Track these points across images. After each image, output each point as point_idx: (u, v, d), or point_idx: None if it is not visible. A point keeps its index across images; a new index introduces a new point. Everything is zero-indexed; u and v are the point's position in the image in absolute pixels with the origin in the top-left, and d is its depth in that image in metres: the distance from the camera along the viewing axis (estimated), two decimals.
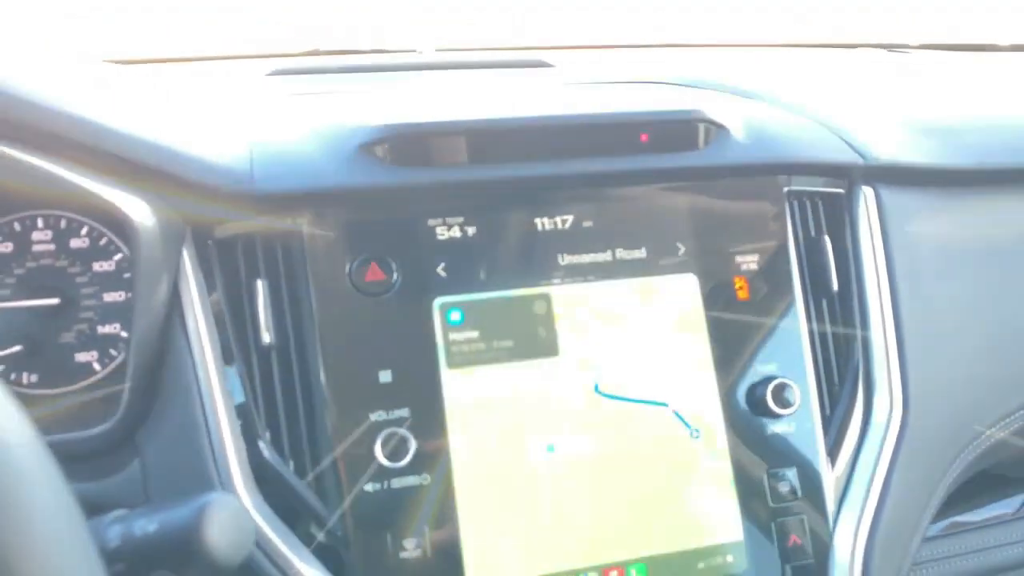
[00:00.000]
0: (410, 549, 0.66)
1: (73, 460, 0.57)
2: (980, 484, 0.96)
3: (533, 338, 0.72)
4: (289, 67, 1.11)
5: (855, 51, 1.39)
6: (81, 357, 0.74)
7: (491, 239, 0.73)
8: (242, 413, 0.68)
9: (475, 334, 0.71)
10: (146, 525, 0.43)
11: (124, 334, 0.73)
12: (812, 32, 1.50)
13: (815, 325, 0.79)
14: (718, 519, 0.72)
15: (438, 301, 0.71)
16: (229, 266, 0.70)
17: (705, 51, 1.34)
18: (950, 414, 0.79)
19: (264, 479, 0.67)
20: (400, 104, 0.81)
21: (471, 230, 0.73)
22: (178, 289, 0.68)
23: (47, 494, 0.34)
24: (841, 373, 0.80)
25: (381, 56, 1.23)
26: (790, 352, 0.77)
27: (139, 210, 0.64)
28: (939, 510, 0.81)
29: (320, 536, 0.67)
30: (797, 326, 0.77)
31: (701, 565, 0.71)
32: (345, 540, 0.66)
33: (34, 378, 0.73)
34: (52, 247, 0.75)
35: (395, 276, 0.70)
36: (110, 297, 0.75)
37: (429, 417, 0.69)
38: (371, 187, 0.69)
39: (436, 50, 1.24)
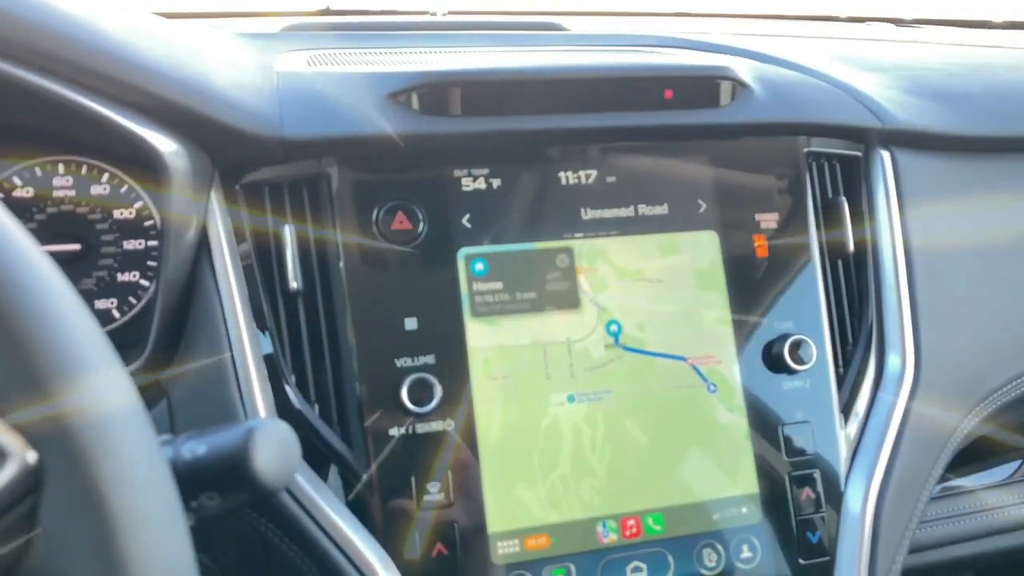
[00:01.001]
0: (433, 493, 0.67)
1: None
2: (978, 450, 0.97)
3: (555, 290, 0.73)
4: (302, 24, 1.10)
5: (865, 24, 1.40)
6: (101, 304, 0.74)
7: (516, 192, 0.73)
8: (268, 358, 0.68)
9: (499, 285, 0.72)
10: (195, 447, 0.43)
11: (144, 282, 0.73)
12: (817, 6, 1.50)
13: (831, 284, 0.81)
14: (733, 472, 0.74)
15: (463, 251, 0.71)
16: (257, 212, 0.70)
17: (716, 21, 1.34)
18: (962, 373, 0.81)
19: (290, 423, 0.67)
20: (424, 57, 0.81)
21: (496, 182, 0.73)
22: (206, 233, 0.68)
23: (128, 411, 0.35)
24: (855, 332, 0.81)
25: (394, 16, 1.22)
26: (807, 310, 0.78)
27: (169, 148, 0.64)
28: (941, 473, 0.82)
29: (345, 479, 0.68)
30: (814, 285, 0.78)
31: (716, 516, 0.73)
32: (369, 483, 0.67)
33: None
34: (73, 193, 0.75)
35: (421, 226, 0.70)
36: (131, 245, 0.75)
37: (453, 365, 0.69)
38: (399, 135, 0.69)
39: (449, 12, 1.24)
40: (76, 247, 0.73)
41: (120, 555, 0.31)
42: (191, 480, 0.43)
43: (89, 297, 0.74)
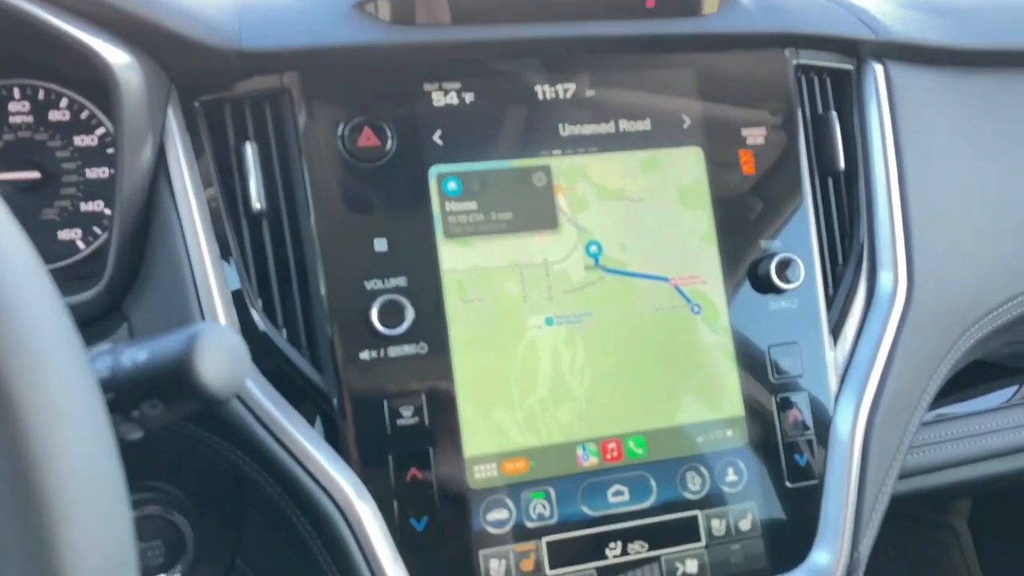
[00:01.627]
0: (406, 417, 0.65)
1: None
2: (973, 375, 0.95)
3: (532, 210, 0.70)
4: None
5: None
6: (64, 235, 0.72)
7: (490, 107, 0.70)
8: (233, 281, 0.66)
9: (473, 205, 0.69)
10: (136, 354, 0.41)
11: (108, 212, 0.71)
12: None
13: (820, 202, 0.78)
14: (718, 394, 0.72)
15: (435, 169, 0.68)
16: (217, 129, 0.67)
17: None
18: (955, 294, 0.78)
19: (257, 348, 0.65)
20: None
21: (469, 97, 0.70)
22: (164, 151, 0.65)
23: (46, 313, 0.32)
24: (846, 251, 0.78)
25: None
26: (795, 228, 0.75)
27: (121, 61, 0.61)
28: (933, 399, 0.80)
29: (315, 405, 0.66)
30: (803, 202, 0.76)
31: (700, 439, 0.71)
32: (341, 408, 0.65)
33: None
34: (30, 119, 0.72)
35: (390, 143, 0.67)
36: (93, 173, 0.72)
37: (426, 286, 0.67)
38: (364, 46, 0.66)
39: None
40: (35, 175, 0.71)
41: (29, 450, 0.29)
42: (132, 388, 0.41)
43: (51, 228, 0.72)
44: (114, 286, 0.65)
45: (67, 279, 0.69)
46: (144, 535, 0.70)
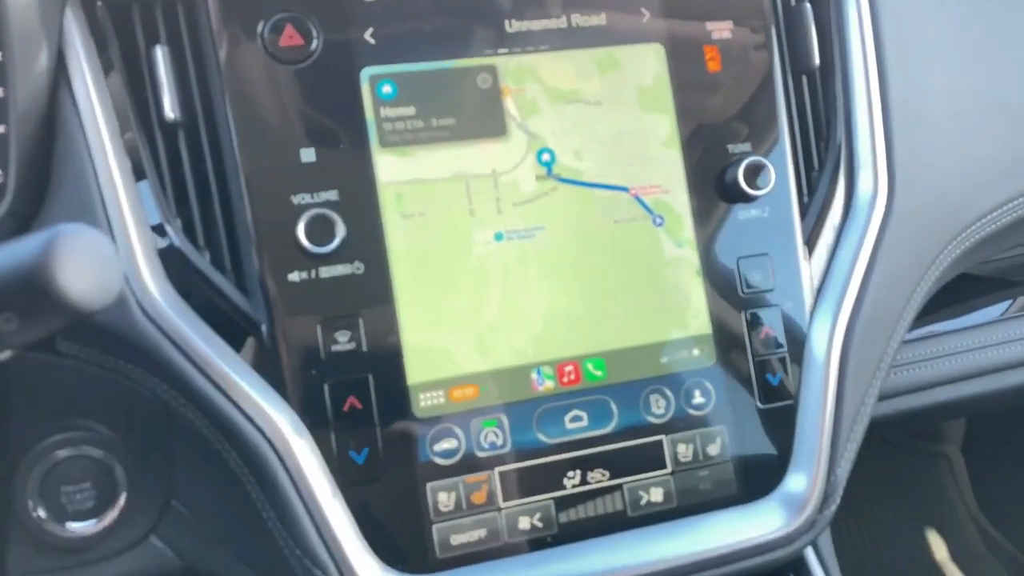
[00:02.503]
0: (342, 343, 0.60)
1: None
2: (964, 291, 0.90)
3: (477, 115, 0.64)
4: None
5: None
6: None
7: (428, 1, 0.63)
8: (147, 199, 0.60)
9: (411, 110, 0.63)
10: None
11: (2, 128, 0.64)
12: None
13: (793, 101, 0.72)
14: (683, 311, 0.66)
15: (367, 71, 0.62)
16: (124, 33, 0.61)
17: None
18: (939, 199, 0.73)
19: (177, 273, 0.60)
20: None
21: None
22: (64, 59, 0.59)
23: None
24: (821, 154, 0.72)
25: None
26: (765, 130, 0.69)
27: None
28: (918, 316, 0.75)
29: (243, 332, 0.60)
30: (774, 101, 0.70)
31: (664, 359, 0.66)
32: (270, 335, 0.60)
33: None
34: None
35: (315, 42, 0.61)
36: None
37: (360, 200, 0.61)
38: None
39: None
40: None
41: None
42: None
43: None
44: (18, 208, 0.59)
45: None
46: (72, 477, 0.65)
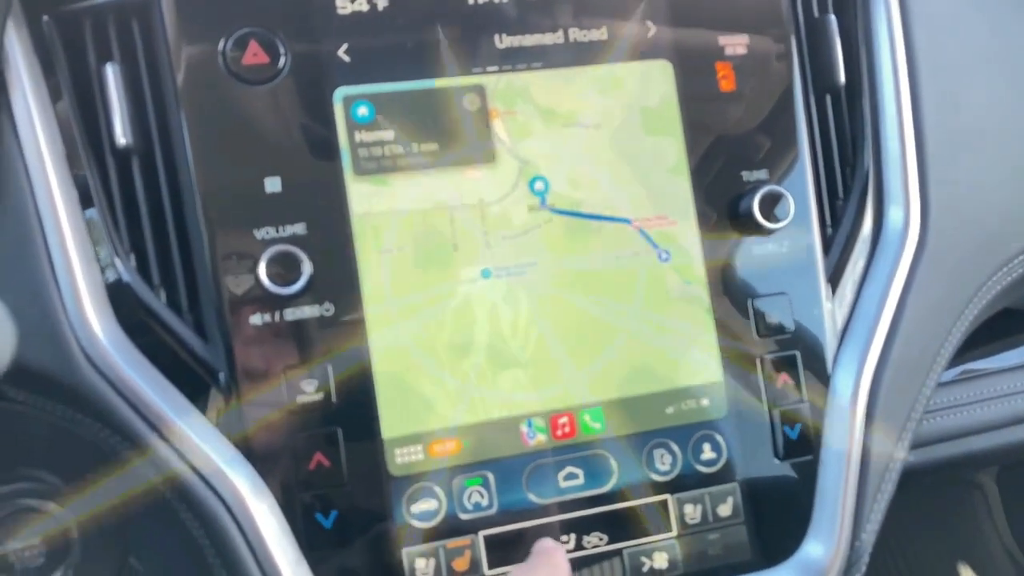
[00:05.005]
0: (308, 392, 0.54)
1: None
2: (1002, 325, 0.83)
3: (463, 140, 0.58)
4: None
5: None
6: None
7: (408, 14, 0.58)
8: (97, 233, 0.54)
9: (389, 134, 0.57)
10: None
11: None
12: None
13: (816, 124, 0.65)
14: (692, 356, 0.60)
15: (340, 92, 0.56)
16: (73, 49, 0.55)
17: None
18: (977, 232, 0.65)
19: (128, 314, 0.54)
20: None
21: (382, 2, 0.57)
22: (3, 79, 0.53)
23: None
24: (847, 182, 0.66)
25: None
26: (784, 155, 0.62)
27: None
28: (953, 355, 0.68)
29: (201, 382, 0.54)
30: (794, 124, 0.63)
31: (670, 410, 0.59)
32: (229, 385, 0.54)
33: None
34: None
35: (283, 59, 0.55)
36: None
37: (331, 234, 0.55)
38: None
39: None
40: None
41: None
42: None
43: None
44: None
45: None
46: (20, 532, 0.60)
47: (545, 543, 0.54)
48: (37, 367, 0.52)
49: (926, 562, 1.39)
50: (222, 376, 0.54)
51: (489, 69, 0.59)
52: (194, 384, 0.54)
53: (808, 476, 0.61)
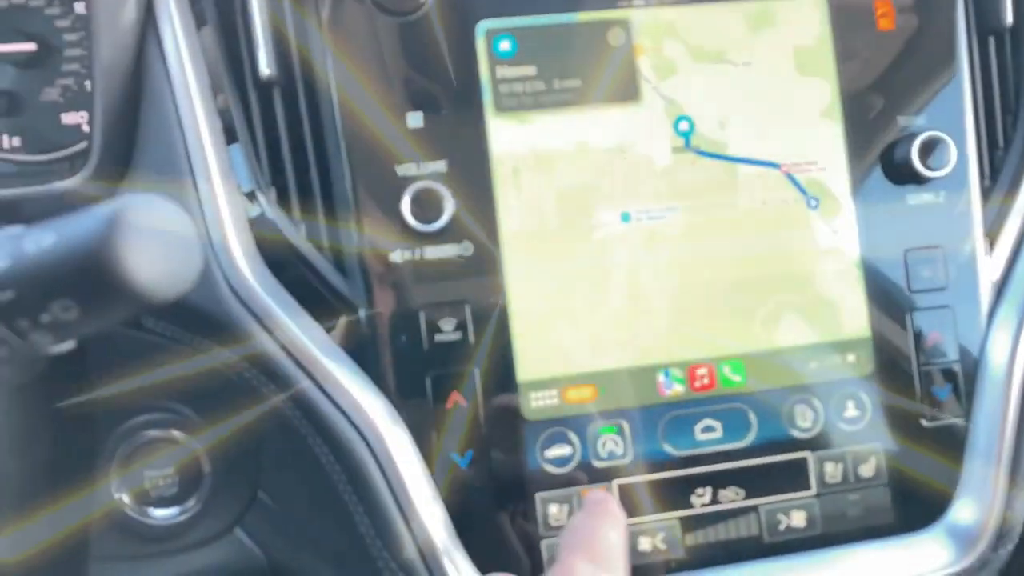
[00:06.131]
0: (447, 332, 0.53)
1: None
2: None
3: (607, 77, 0.56)
4: None
5: None
6: (68, 119, 0.61)
7: None
8: (239, 165, 0.54)
9: (531, 70, 0.55)
10: (41, 237, 0.30)
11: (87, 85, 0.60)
12: None
13: (978, 68, 0.61)
14: (838, 309, 0.57)
15: (483, 25, 0.55)
16: None
17: None
18: None
19: (269, 247, 0.54)
20: None
21: None
22: (152, 9, 0.53)
23: None
24: (1008, 131, 0.62)
25: None
26: (944, 100, 0.59)
27: None
28: None
29: (339, 315, 0.54)
30: (956, 67, 0.59)
31: (813, 365, 0.57)
32: (368, 320, 0.53)
33: (16, 142, 0.61)
34: None
35: None
36: None
37: (470, 173, 0.54)
38: None
39: None
40: (30, 47, 0.60)
41: None
42: (35, 284, 0.30)
43: (54, 111, 0.61)
44: (104, 170, 0.54)
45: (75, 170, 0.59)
46: (156, 461, 0.61)
47: (596, 494, 0.51)
48: (183, 298, 0.52)
49: None
50: (362, 312, 0.54)
51: (635, 3, 0.56)
52: (333, 319, 0.54)
53: (958, 439, 0.58)
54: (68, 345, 0.33)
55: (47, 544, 0.59)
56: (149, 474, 0.61)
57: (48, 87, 0.62)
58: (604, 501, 0.49)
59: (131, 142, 0.55)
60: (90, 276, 0.29)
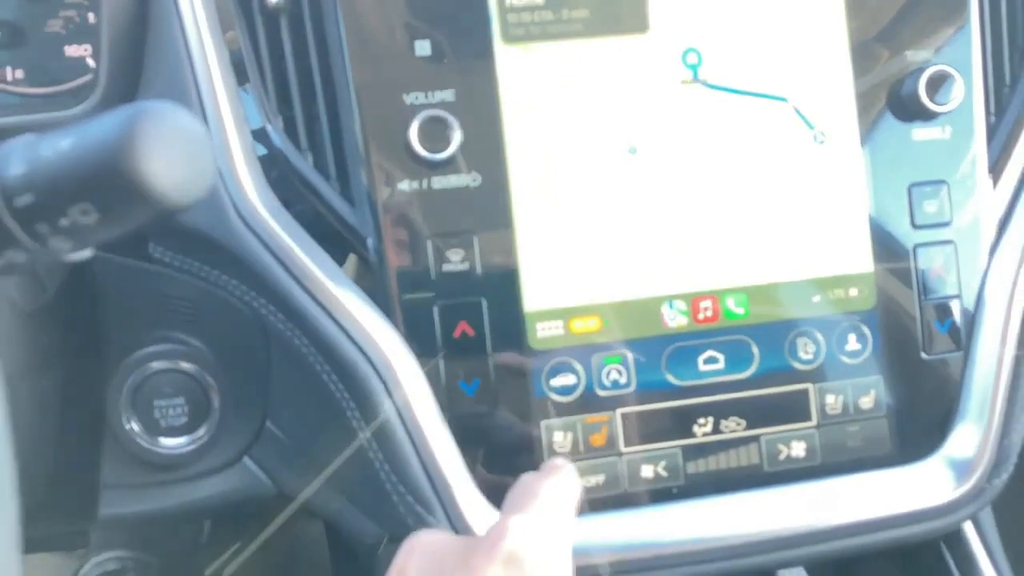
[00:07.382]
0: (454, 262, 0.54)
1: None
2: None
3: (615, 7, 0.56)
4: None
5: None
6: (72, 51, 0.61)
7: None
8: (247, 92, 0.54)
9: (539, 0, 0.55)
10: (58, 141, 0.30)
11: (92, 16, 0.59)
12: None
13: (987, 4, 0.61)
14: (842, 243, 0.58)
15: None
16: None
17: None
18: None
19: (277, 176, 0.54)
20: None
21: None
22: None
23: None
24: (1015, 67, 0.61)
25: None
26: (952, 34, 0.59)
27: None
28: None
29: (347, 244, 0.55)
30: (965, 3, 0.59)
31: (816, 298, 0.57)
32: (376, 249, 0.54)
33: (19, 74, 0.61)
34: None
35: None
36: None
37: (478, 101, 0.54)
38: None
39: None
40: None
41: None
42: (54, 187, 0.30)
43: (57, 43, 0.61)
44: (109, 101, 0.54)
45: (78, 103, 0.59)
46: (165, 391, 0.62)
47: (556, 460, 0.52)
48: (192, 225, 0.53)
49: None
50: (369, 242, 0.54)
51: None
52: (341, 248, 0.54)
53: (955, 372, 0.59)
54: (86, 253, 0.33)
55: (58, 471, 0.61)
56: (159, 404, 0.62)
57: (51, 18, 0.61)
58: (560, 467, 0.49)
59: (136, 74, 0.55)
60: (108, 178, 0.29)
